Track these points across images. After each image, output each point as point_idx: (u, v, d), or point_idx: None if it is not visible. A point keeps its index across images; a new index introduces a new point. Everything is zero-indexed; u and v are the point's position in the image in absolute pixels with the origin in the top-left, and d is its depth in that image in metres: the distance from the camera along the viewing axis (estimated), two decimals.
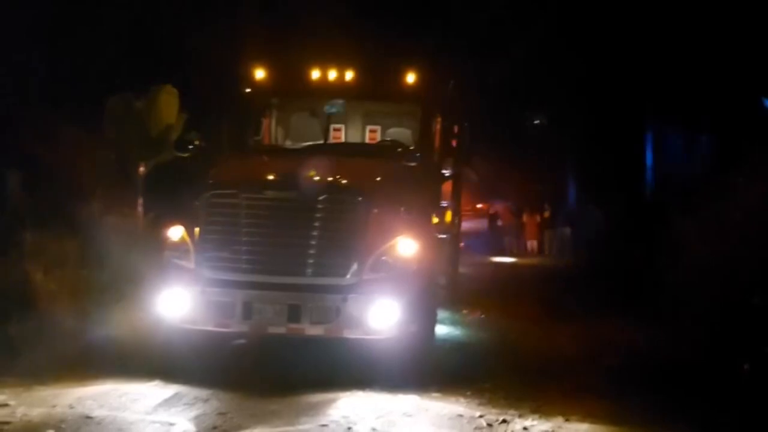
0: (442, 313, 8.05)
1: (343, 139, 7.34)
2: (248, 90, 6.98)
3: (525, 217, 20.19)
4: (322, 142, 6.67)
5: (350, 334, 5.17)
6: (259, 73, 6.90)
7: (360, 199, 5.37)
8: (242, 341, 5.78)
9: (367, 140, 7.44)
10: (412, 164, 6.29)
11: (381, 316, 5.17)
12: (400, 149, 6.56)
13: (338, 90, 6.81)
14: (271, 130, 7.39)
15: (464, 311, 8.87)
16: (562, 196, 21.65)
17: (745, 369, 5.77)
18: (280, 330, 5.19)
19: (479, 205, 29.75)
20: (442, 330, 7.38)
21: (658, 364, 6.09)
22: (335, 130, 7.39)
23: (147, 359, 5.54)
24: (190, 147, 6.24)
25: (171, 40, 13.79)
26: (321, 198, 5.31)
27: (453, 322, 8.09)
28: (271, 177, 5.65)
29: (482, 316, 8.78)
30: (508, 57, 18.06)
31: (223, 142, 7.01)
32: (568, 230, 19.29)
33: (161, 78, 11.92)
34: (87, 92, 12.38)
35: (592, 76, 17.63)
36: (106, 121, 12.15)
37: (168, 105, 11.85)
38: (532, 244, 19.87)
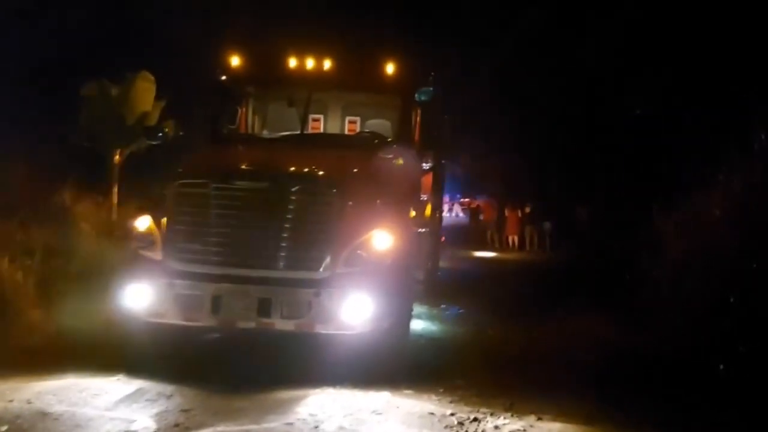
0: (419, 308, 7.96)
1: (321, 130, 7.20)
2: (224, 78, 6.80)
3: (507, 212, 20.14)
4: (298, 132, 6.51)
5: (322, 330, 5.03)
6: (236, 61, 6.73)
7: (334, 190, 5.22)
8: (212, 335, 5.62)
9: (346, 131, 7.29)
10: (389, 156, 6.16)
11: (354, 311, 5.03)
12: (377, 141, 6.42)
13: (316, 80, 6.66)
14: (248, 119, 7.21)
15: (442, 306, 8.77)
16: (546, 191, 21.63)
17: (720, 369, 5.73)
18: (250, 325, 5.05)
19: (463, 200, 29.73)
20: (418, 325, 7.28)
21: (635, 363, 6.04)
22: (314, 120, 7.26)
23: (111, 353, 5.38)
24: (160, 135, 6.06)
25: (150, 26, 13.51)
26: (294, 189, 5.15)
27: (430, 317, 7.99)
28: (242, 166, 5.49)
29: (460, 310, 8.68)
30: (495, 51, 17.94)
31: (197, 131, 6.85)
32: (548, 225, 19.29)
33: (139, 64, 11.68)
34: (62, 78, 12.10)
35: (580, 72, 17.57)
36: (82, 107, 11.90)
37: (145, 92, 11.63)
38: (513, 238, 19.84)
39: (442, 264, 11.35)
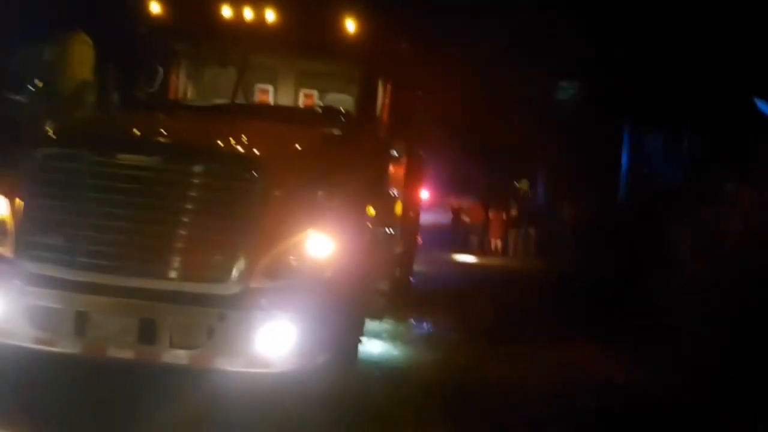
0: (383, 324, 6.69)
1: (270, 103, 5.87)
2: (142, 29, 5.41)
3: (491, 215, 18.88)
4: (227, 101, 5.14)
5: (227, 365, 3.66)
6: (157, 8, 5.34)
7: (254, 174, 3.82)
8: (75, 365, 4.14)
9: (300, 107, 5.96)
10: (341, 136, 4.78)
11: (274, 341, 3.68)
12: (323, 114, 5.07)
13: (259, 37, 5.31)
14: (172, 82, 5.81)
15: (411, 320, 7.49)
16: (532, 194, 20.42)
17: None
18: (126, 354, 3.66)
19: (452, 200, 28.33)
20: (376, 347, 6.03)
21: (637, 406, 4.86)
22: (261, 92, 5.98)
23: None
24: (32, 89, 4.63)
25: None
26: (198, 169, 3.75)
27: (393, 336, 6.68)
28: (132, 135, 4.06)
29: (431, 328, 7.38)
30: (487, 46, 16.68)
31: (106, 93, 5.48)
32: (532, 230, 18.08)
33: (76, 26, 10.17)
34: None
35: (571, 72, 16.46)
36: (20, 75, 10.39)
37: (83, 57, 10.13)
38: (496, 243, 18.59)
39: (417, 268, 10.19)
